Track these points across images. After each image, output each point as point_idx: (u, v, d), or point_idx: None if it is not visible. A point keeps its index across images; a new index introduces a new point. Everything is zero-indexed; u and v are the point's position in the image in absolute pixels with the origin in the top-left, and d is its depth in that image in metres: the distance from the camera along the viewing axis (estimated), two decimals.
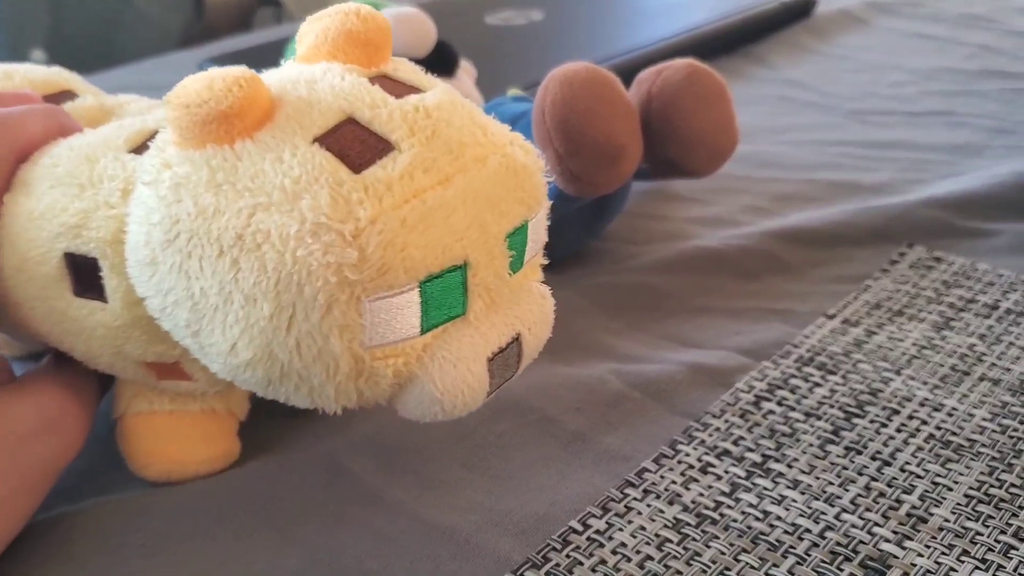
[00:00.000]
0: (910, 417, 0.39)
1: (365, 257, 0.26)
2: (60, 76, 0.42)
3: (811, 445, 0.37)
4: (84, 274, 0.32)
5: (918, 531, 0.33)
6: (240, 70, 0.27)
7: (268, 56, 0.69)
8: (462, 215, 0.27)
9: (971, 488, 0.35)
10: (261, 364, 0.27)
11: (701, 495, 0.35)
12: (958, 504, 0.34)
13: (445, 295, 0.28)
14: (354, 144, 0.27)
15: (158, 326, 0.31)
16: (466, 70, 0.60)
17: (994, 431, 0.38)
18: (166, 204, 0.27)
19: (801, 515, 0.34)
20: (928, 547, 0.32)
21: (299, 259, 0.25)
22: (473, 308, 0.29)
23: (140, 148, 0.32)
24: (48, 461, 0.34)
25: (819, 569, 0.32)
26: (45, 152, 0.34)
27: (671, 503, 0.35)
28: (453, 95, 0.30)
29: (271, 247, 0.26)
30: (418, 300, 0.27)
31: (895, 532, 0.33)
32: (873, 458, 0.36)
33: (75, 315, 0.33)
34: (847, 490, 0.35)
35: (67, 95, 0.41)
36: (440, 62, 0.56)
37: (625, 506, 0.35)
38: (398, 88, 0.30)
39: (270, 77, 0.30)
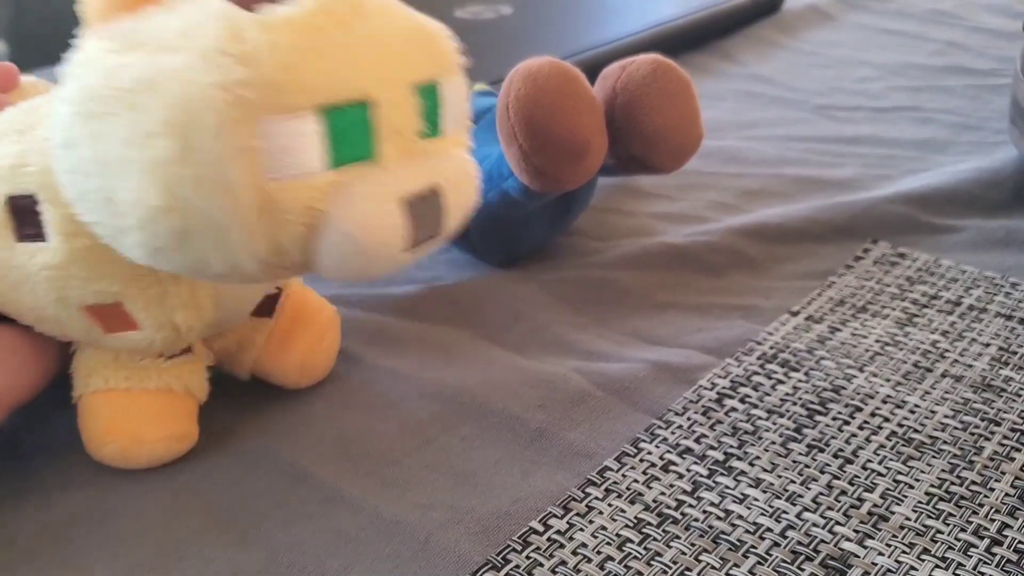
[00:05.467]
0: (872, 414, 0.39)
1: (258, 75, 0.26)
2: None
3: (773, 443, 0.37)
4: (26, 216, 0.33)
5: (879, 530, 0.33)
6: None
7: None
8: (363, 54, 0.28)
9: (932, 486, 0.35)
10: (171, 210, 0.27)
11: (663, 494, 0.35)
12: (919, 502, 0.34)
13: (351, 132, 0.28)
14: None
15: (95, 257, 0.32)
16: None
17: (956, 428, 0.38)
18: (76, 80, 0.28)
19: (763, 514, 0.34)
20: (889, 546, 0.32)
21: (193, 83, 0.26)
22: (384, 153, 0.29)
23: None
24: None
25: (780, 569, 0.31)
26: None
27: (632, 502, 0.34)
28: None
29: (168, 80, 0.26)
30: (319, 130, 0.27)
31: (856, 531, 0.33)
32: (835, 456, 0.36)
33: (19, 262, 0.34)
34: (809, 488, 0.35)
35: None
36: None
37: (586, 505, 0.34)
38: None
39: None
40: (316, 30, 0.27)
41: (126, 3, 0.28)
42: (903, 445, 0.37)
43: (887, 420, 0.38)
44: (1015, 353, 0.42)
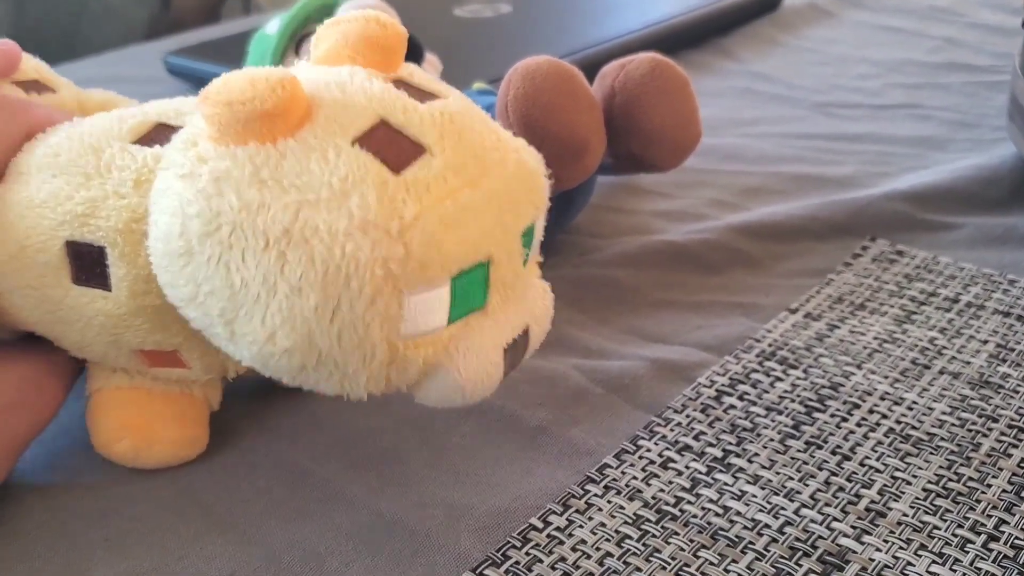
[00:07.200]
0: (870, 411, 0.39)
1: (409, 253, 0.27)
2: (28, 64, 0.41)
3: (772, 440, 0.37)
4: (86, 262, 0.32)
5: (876, 525, 0.33)
6: (280, 71, 0.28)
7: (236, 48, 0.68)
8: (488, 215, 0.29)
9: (929, 482, 0.35)
10: (299, 352, 0.28)
11: (662, 491, 0.35)
12: (916, 498, 0.34)
13: (470, 289, 0.29)
14: (391, 146, 0.28)
15: (161, 315, 0.32)
16: (431, 63, 0.60)
17: (953, 425, 0.38)
18: (205, 197, 0.28)
19: (761, 510, 0.34)
20: (886, 541, 0.32)
21: (348, 254, 0.27)
22: (492, 301, 0.30)
23: (144, 139, 0.33)
24: (19, 435, 0.34)
25: (778, 565, 0.32)
26: (40, 141, 0.34)
27: (631, 499, 0.35)
28: (467, 101, 0.32)
29: (320, 241, 0.27)
30: (448, 294, 0.28)
31: (854, 527, 0.33)
32: (833, 452, 0.37)
33: (72, 304, 0.33)
34: (807, 485, 0.35)
35: (36, 84, 0.41)
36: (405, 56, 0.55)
37: (586, 503, 0.35)
38: (418, 94, 0.31)
39: (301, 77, 0.30)
40: (451, 194, 0.28)
41: (263, 134, 0.28)
42: (900, 442, 0.37)
43: (885, 417, 0.39)
44: (1012, 350, 0.43)
